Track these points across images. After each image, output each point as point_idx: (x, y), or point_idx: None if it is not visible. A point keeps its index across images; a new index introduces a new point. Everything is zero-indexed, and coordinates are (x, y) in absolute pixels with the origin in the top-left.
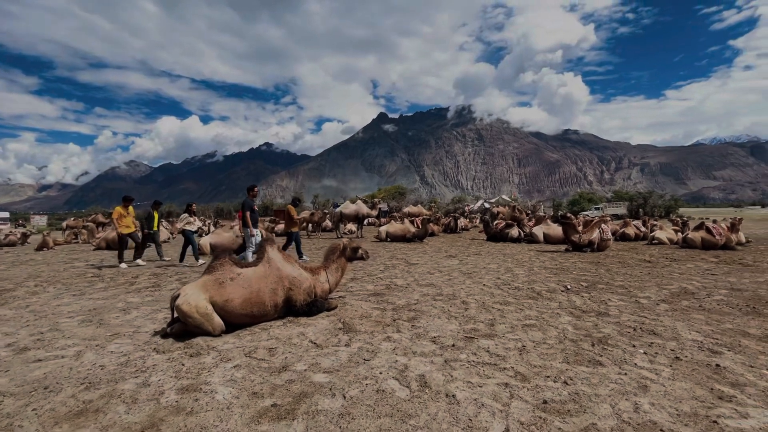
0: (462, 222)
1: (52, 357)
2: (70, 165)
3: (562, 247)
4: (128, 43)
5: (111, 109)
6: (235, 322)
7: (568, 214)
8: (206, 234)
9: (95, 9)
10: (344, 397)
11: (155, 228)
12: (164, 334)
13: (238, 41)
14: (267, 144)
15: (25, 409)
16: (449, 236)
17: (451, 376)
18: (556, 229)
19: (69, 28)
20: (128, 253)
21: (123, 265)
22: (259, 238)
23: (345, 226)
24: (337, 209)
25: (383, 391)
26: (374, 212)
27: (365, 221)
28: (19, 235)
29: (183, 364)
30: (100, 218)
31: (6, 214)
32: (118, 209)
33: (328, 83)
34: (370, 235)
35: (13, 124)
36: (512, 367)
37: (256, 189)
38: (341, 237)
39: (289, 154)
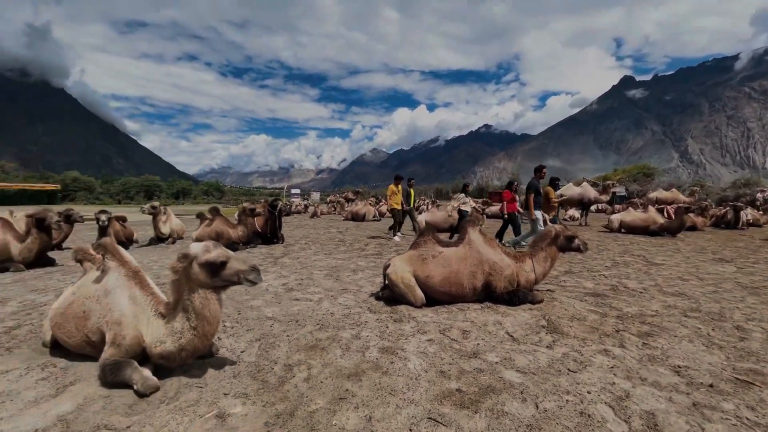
0: (748, 214)
1: (303, 299)
2: (335, 154)
3: None
4: (375, 49)
5: (361, 106)
6: (434, 297)
7: None
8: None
9: (354, 27)
10: (536, 407)
11: (412, 204)
12: (377, 297)
13: (463, 26)
14: (486, 126)
15: (283, 334)
16: (722, 233)
17: (702, 430)
18: None
19: (337, 47)
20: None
21: (396, 238)
22: (541, 222)
23: (566, 211)
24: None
25: (589, 415)
26: (604, 197)
27: (592, 207)
28: (303, 206)
29: (387, 327)
30: (350, 195)
31: (298, 191)
32: (392, 187)
33: (557, 52)
34: (597, 223)
35: (304, 125)
36: None
37: (544, 170)
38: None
39: (508, 134)
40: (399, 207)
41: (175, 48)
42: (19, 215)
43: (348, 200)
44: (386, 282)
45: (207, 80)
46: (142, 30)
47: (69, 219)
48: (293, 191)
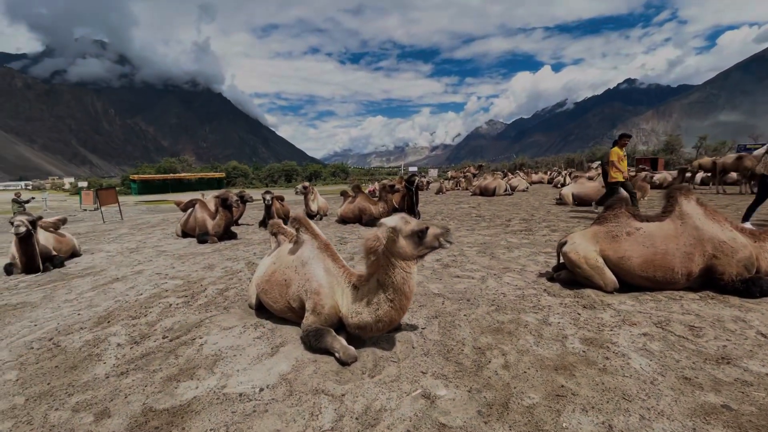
0: None
1: (465, 276)
2: (449, 129)
3: None
4: (490, 11)
5: (477, 76)
6: (629, 282)
7: None
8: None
9: None
10: None
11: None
12: (550, 278)
13: None
14: (628, 81)
15: (458, 313)
16: None
17: None
18: None
19: (449, 16)
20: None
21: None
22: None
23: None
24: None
25: None
26: None
27: None
28: (425, 183)
29: (579, 314)
30: (472, 170)
31: (415, 169)
32: (617, 151)
33: None
34: None
35: (417, 102)
36: None
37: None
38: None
39: (658, 88)
40: (623, 178)
41: (301, 43)
42: (209, 197)
43: (473, 175)
44: (561, 261)
45: (328, 69)
46: (274, 32)
47: (242, 199)
48: (411, 169)
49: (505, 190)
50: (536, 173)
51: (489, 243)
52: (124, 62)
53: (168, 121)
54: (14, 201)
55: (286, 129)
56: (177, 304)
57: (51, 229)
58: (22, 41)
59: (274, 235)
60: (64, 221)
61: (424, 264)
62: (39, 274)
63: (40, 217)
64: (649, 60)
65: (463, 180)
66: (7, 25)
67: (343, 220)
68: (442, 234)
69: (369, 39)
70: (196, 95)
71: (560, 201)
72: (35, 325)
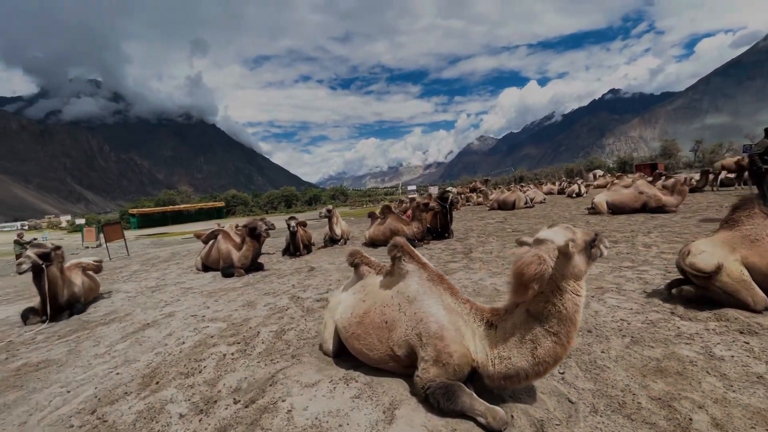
0: None
1: None
2: (441, 147)
3: None
4: (474, 32)
5: (465, 95)
6: None
7: None
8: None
9: (450, 15)
10: None
11: None
12: (667, 296)
13: None
14: (612, 91)
15: (591, 349)
16: None
17: None
18: None
19: (435, 39)
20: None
21: None
22: None
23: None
24: None
25: None
26: None
27: None
28: (460, 200)
29: (747, 342)
30: (478, 185)
31: (414, 187)
32: None
33: None
34: None
35: (408, 123)
36: None
37: None
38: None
39: (642, 96)
40: None
41: (292, 72)
42: (227, 226)
43: (475, 190)
44: (680, 276)
45: (320, 96)
46: (266, 62)
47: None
48: (410, 188)
49: (526, 203)
50: (544, 184)
51: None
52: (118, 99)
53: (163, 154)
54: (16, 242)
55: (281, 156)
56: (232, 354)
57: (90, 272)
58: (17, 84)
59: (356, 266)
60: (100, 262)
61: (495, 287)
62: (49, 324)
63: (59, 247)
64: (631, 70)
65: (474, 195)
66: (2, 70)
67: (373, 243)
68: (603, 242)
69: (358, 64)
70: (190, 127)
71: (593, 210)
72: (68, 392)
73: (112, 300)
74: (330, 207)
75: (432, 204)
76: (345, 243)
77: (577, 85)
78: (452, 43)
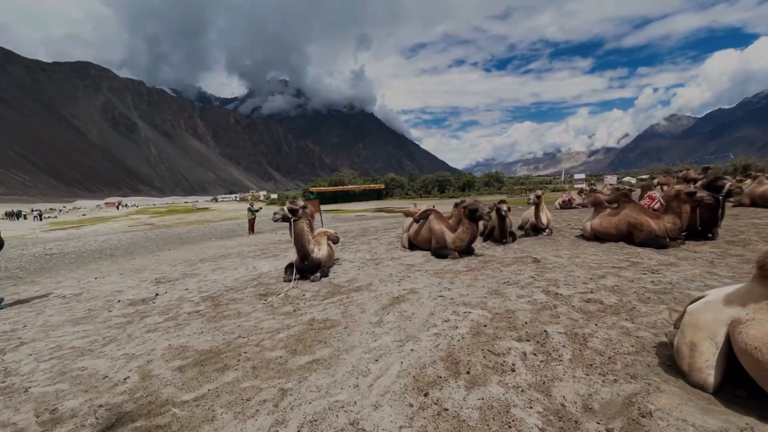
0: None
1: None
2: (613, 130)
3: None
4: None
5: (653, 65)
6: None
7: None
8: None
9: None
10: None
11: None
12: None
13: None
14: None
15: None
16: None
17: None
18: None
19: (615, 0)
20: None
21: None
22: None
23: None
24: None
25: None
26: None
27: None
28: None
29: None
30: (691, 174)
31: (582, 176)
32: None
33: None
34: None
35: (572, 103)
36: None
37: None
38: None
39: None
40: None
41: (446, 57)
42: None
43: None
44: None
45: (472, 79)
46: (421, 50)
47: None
48: (576, 176)
49: None
50: None
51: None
52: (300, 95)
53: (330, 141)
54: (249, 210)
55: (429, 141)
56: (534, 354)
57: (330, 242)
58: (235, 87)
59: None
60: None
61: None
62: (310, 282)
63: (305, 206)
64: None
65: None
66: (226, 77)
67: (597, 237)
68: None
69: (517, 42)
70: (352, 117)
71: None
72: (376, 361)
73: (344, 268)
74: (539, 192)
75: (701, 194)
76: (551, 233)
77: None
78: (640, 2)
